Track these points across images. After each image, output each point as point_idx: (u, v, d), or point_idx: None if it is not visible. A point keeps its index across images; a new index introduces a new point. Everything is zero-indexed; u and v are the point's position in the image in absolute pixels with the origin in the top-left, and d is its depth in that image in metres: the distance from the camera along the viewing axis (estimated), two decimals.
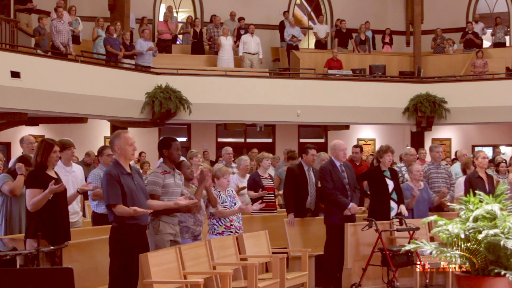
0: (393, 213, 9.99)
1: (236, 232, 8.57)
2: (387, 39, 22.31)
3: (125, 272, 6.52)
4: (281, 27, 21.38)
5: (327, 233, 9.80)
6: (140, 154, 17.12)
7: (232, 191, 8.93)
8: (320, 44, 21.81)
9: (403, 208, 9.99)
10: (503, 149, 20.61)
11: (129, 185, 6.58)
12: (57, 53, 15.98)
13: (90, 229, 8.81)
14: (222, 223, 8.57)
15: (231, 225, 8.59)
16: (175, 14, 21.56)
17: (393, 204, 10.04)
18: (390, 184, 10.09)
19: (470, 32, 21.34)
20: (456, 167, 13.58)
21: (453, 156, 19.64)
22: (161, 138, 8.16)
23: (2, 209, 8.29)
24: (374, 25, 22.41)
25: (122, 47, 17.38)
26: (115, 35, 17.38)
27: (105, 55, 17.54)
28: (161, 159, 7.88)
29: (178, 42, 21.14)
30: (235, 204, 8.70)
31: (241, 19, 20.72)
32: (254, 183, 11.10)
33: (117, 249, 6.53)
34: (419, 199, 10.44)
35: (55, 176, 7.16)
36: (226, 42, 19.45)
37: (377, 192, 10.12)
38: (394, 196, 10.08)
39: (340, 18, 21.86)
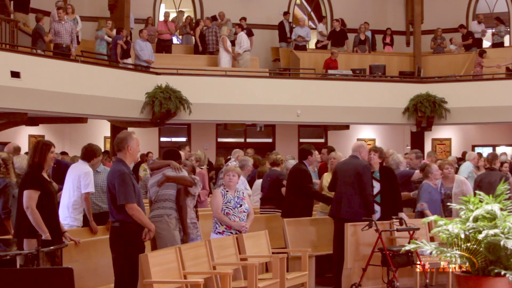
0: (376, 216, 9.89)
1: (237, 233, 8.56)
2: (387, 40, 22.33)
3: (133, 271, 6.55)
4: (280, 27, 21.41)
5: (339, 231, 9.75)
6: (147, 154, 17.09)
7: (243, 193, 8.84)
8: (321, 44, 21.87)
9: (403, 215, 9.90)
10: (503, 149, 20.61)
11: (135, 184, 6.68)
12: (57, 53, 15.98)
13: (89, 229, 8.81)
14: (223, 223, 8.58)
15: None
16: (174, 14, 21.57)
17: (376, 207, 9.92)
18: (376, 186, 10.01)
19: (464, 34, 21.47)
20: (469, 166, 13.62)
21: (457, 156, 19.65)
22: (171, 149, 8.40)
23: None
24: (374, 25, 22.42)
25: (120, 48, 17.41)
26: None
27: (106, 55, 17.57)
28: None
29: (178, 42, 21.13)
30: (240, 206, 8.65)
31: (241, 19, 20.71)
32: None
33: (123, 249, 6.54)
34: (431, 199, 10.41)
35: (48, 178, 7.14)
36: (228, 42, 19.45)
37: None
38: (378, 198, 10.00)
39: (336, 18, 21.91)
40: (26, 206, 6.81)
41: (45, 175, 7.11)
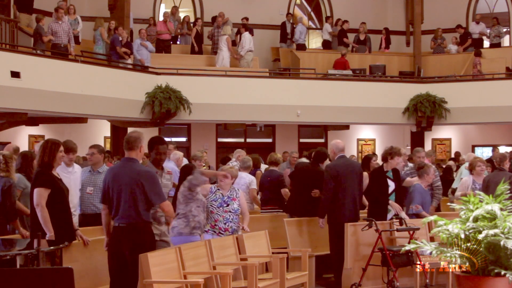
0: (389, 215, 9.98)
1: (220, 233, 8.45)
2: (383, 41, 22.29)
3: None
4: (282, 28, 21.42)
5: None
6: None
7: (237, 194, 8.74)
8: (328, 44, 21.83)
9: (403, 214, 9.95)
10: (503, 149, 20.60)
11: None
12: (57, 53, 15.98)
13: (89, 229, 8.79)
14: (208, 222, 8.51)
15: (215, 225, 8.52)
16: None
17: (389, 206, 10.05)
18: (391, 186, 10.08)
19: (461, 34, 21.49)
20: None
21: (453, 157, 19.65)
22: (155, 136, 8.05)
23: None
24: (374, 25, 22.43)
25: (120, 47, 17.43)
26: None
27: (106, 55, 17.56)
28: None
29: (178, 42, 21.13)
30: (227, 205, 8.56)
31: (243, 18, 20.70)
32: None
33: (146, 248, 6.63)
34: (423, 201, 10.42)
35: (58, 176, 7.20)
36: (225, 42, 19.41)
37: (377, 192, 10.09)
38: (392, 197, 10.06)
39: (341, 19, 21.91)
40: (36, 203, 6.91)
41: (55, 173, 7.17)
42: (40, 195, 6.91)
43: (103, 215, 6.83)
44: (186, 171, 8.40)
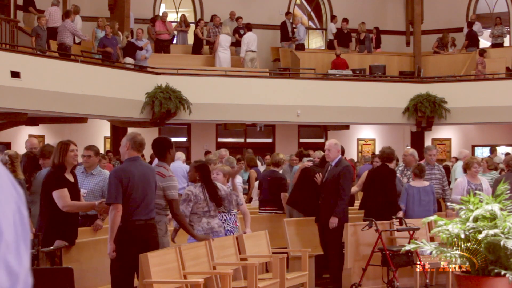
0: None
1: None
2: (373, 41, 22.25)
3: None
4: (282, 27, 21.42)
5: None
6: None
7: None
8: (332, 44, 21.85)
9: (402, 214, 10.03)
10: (503, 149, 20.60)
11: None
12: (57, 53, 15.99)
13: (89, 229, 8.79)
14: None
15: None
16: (174, 14, 21.56)
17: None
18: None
19: (465, 34, 21.47)
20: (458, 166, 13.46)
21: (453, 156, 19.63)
22: (159, 137, 7.93)
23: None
24: (374, 25, 22.41)
25: (118, 48, 17.43)
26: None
27: (103, 55, 17.58)
28: (157, 160, 7.62)
29: (173, 42, 21.11)
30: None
31: (238, 18, 20.73)
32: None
33: (158, 242, 6.78)
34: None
35: (72, 180, 7.05)
36: (225, 41, 19.42)
37: (389, 192, 10.10)
38: None
39: (345, 18, 21.93)
40: (62, 206, 6.75)
41: (69, 176, 7.00)
42: (60, 196, 6.77)
43: (118, 216, 6.38)
44: (203, 169, 8.21)
